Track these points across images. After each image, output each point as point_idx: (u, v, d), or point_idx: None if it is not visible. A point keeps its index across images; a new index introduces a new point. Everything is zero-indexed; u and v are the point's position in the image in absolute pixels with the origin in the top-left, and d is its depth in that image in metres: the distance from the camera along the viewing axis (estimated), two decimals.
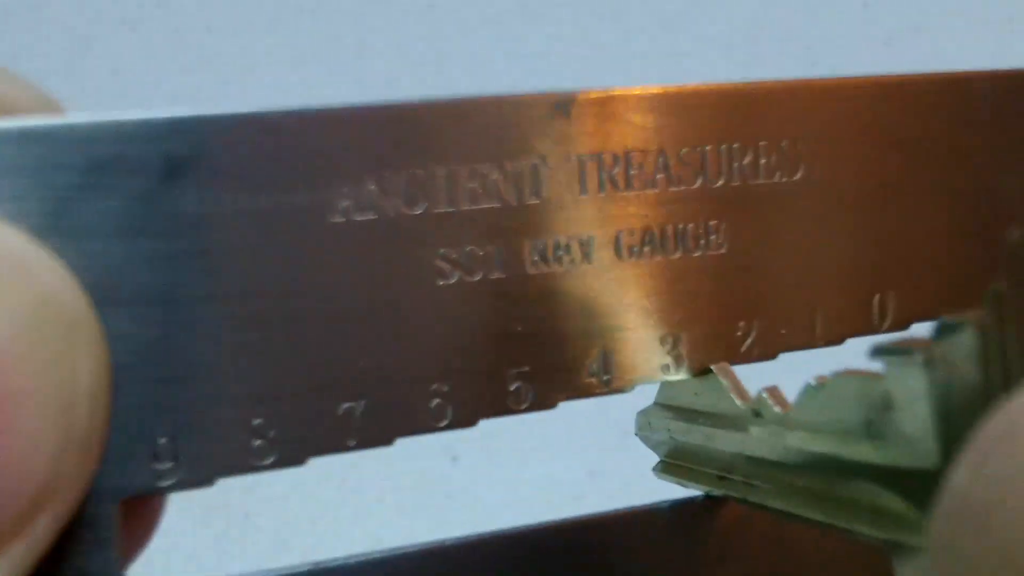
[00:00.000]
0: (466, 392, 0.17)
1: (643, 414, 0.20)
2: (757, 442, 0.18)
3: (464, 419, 0.17)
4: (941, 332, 0.14)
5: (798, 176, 0.19)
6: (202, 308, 0.16)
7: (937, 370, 0.14)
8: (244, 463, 0.16)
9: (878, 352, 0.15)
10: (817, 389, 0.17)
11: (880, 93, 0.19)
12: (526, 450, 0.42)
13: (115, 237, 0.15)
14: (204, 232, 0.16)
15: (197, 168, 0.15)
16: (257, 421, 0.16)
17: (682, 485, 0.20)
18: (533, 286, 0.17)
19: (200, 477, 0.16)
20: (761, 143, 0.19)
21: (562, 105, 0.17)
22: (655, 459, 0.21)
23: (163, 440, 0.15)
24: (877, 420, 0.16)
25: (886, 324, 0.20)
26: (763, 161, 0.19)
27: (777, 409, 0.18)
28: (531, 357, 0.17)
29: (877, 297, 0.20)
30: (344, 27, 0.59)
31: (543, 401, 0.17)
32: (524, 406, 0.17)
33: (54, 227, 0.15)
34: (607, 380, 0.18)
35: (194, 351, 0.16)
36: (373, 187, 0.16)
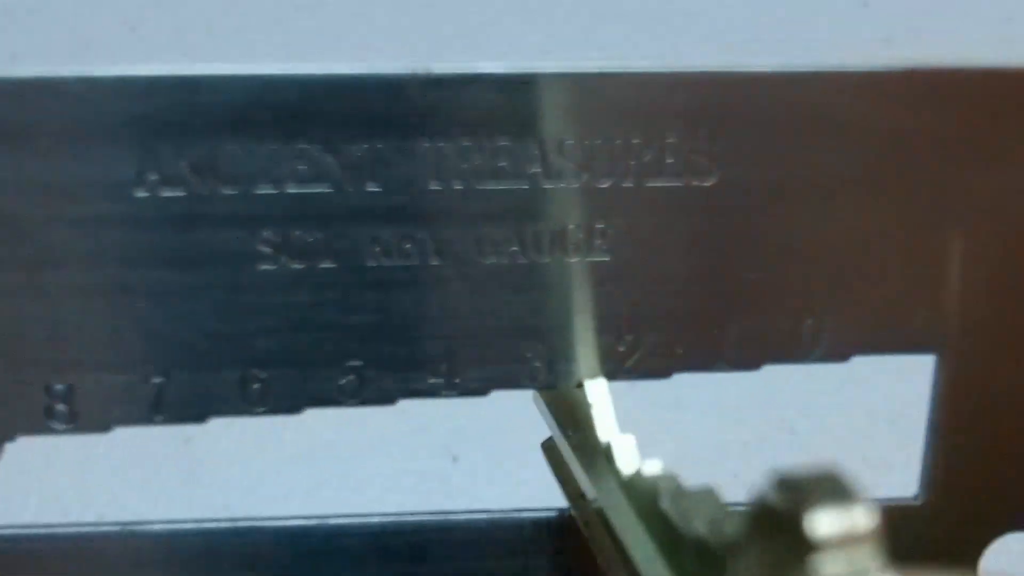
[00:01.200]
0: (288, 379, 0.16)
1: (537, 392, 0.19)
2: (594, 483, 0.16)
3: (286, 406, 0.16)
4: None
5: (711, 181, 0.17)
6: (1, 273, 0.15)
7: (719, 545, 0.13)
8: (44, 424, 0.16)
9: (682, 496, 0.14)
10: (645, 477, 0.15)
11: (820, 83, 0.16)
12: (526, 450, 0.42)
13: None
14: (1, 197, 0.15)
15: None
16: (58, 387, 0.16)
17: (555, 480, 0.19)
18: (372, 279, 0.16)
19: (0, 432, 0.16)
20: (668, 140, 0.16)
21: (411, 83, 0.16)
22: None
23: None
24: (668, 543, 0.14)
25: (818, 352, 0.17)
26: (668, 161, 0.16)
27: (621, 466, 0.16)
28: (367, 351, 0.16)
29: (809, 321, 0.17)
30: (344, 26, 0.59)
31: (378, 396, 0.17)
32: (355, 400, 0.17)
33: None
34: (458, 383, 0.17)
35: None
36: (182, 163, 0.15)
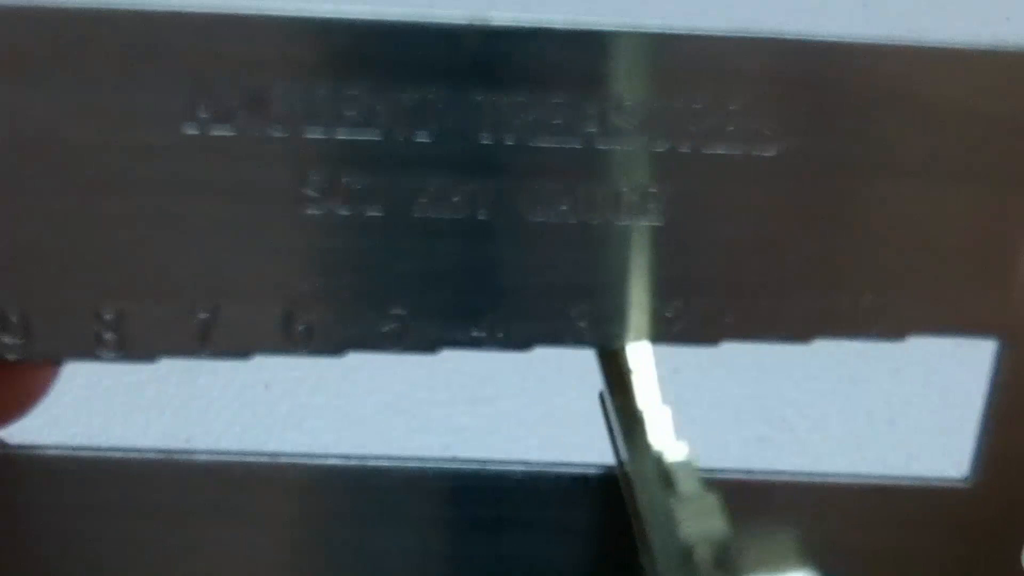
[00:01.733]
0: (330, 322, 0.16)
1: (602, 396, 0.19)
2: (628, 457, 0.17)
3: (328, 348, 0.16)
4: None
5: (772, 151, 0.16)
6: (50, 199, 0.16)
7: None
8: (92, 351, 0.16)
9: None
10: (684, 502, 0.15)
11: (894, 57, 0.16)
12: (526, 450, 0.42)
13: None
14: (46, 123, 0.15)
15: (41, 58, 0.15)
16: (108, 314, 0.16)
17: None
18: (419, 229, 0.16)
19: (48, 355, 0.16)
20: (731, 107, 0.16)
21: (469, 33, 0.15)
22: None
23: (13, 316, 0.16)
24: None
25: (876, 330, 0.17)
26: (729, 128, 0.16)
27: (651, 440, 0.16)
28: (410, 300, 0.16)
29: (868, 297, 0.17)
30: None
31: (420, 345, 0.17)
32: (397, 347, 0.17)
33: None
34: (501, 337, 0.17)
35: (44, 236, 0.16)
36: (235, 102, 0.15)
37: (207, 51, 0.15)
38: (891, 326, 0.17)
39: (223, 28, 0.15)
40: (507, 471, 0.18)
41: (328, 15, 0.15)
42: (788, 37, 0.16)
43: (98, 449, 0.17)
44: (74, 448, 0.17)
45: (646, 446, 0.16)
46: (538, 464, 0.18)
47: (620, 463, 0.17)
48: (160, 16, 0.15)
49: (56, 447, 0.17)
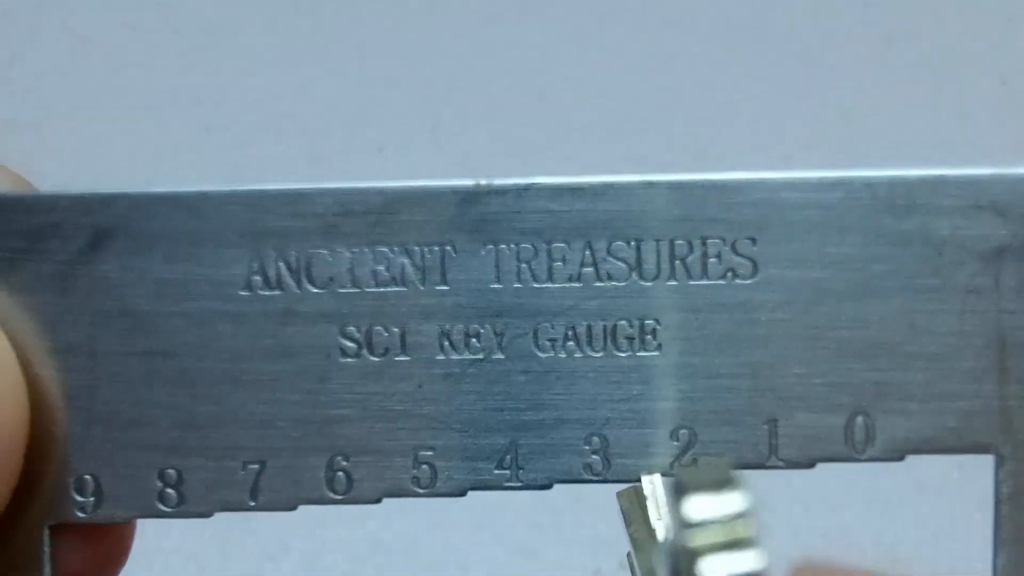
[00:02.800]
0: (367, 468, 0.18)
1: (617, 495, 0.19)
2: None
3: (366, 495, 0.18)
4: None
5: (756, 278, 0.17)
6: (123, 362, 0.18)
7: None
8: (155, 508, 0.18)
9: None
10: None
11: (854, 190, 0.17)
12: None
13: (52, 293, 0.17)
14: (123, 294, 0.17)
15: (119, 238, 0.17)
16: (169, 471, 0.18)
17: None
18: (441, 372, 0.18)
19: (116, 515, 0.18)
20: (710, 240, 0.17)
21: (478, 194, 0.17)
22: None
23: (87, 476, 0.17)
24: None
25: (870, 451, 0.17)
26: (711, 260, 0.17)
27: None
28: (437, 442, 0.18)
29: (860, 419, 0.17)
30: (344, 27, 0.59)
31: (450, 487, 0.18)
32: (427, 491, 0.18)
33: (4, 281, 0.17)
34: (522, 474, 0.18)
35: (115, 400, 0.18)
36: (280, 264, 0.17)
37: (257, 223, 0.17)
38: (887, 448, 0.17)
39: (265, 202, 0.17)
40: None
41: (359, 185, 0.17)
42: (750, 178, 0.17)
43: None
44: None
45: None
46: None
47: None
48: (215, 196, 0.17)
49: None
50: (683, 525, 0.12)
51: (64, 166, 0.49)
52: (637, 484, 0.18)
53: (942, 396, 0.17)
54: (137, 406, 0.17)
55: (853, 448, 0.17)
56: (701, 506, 0.12)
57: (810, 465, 0.18)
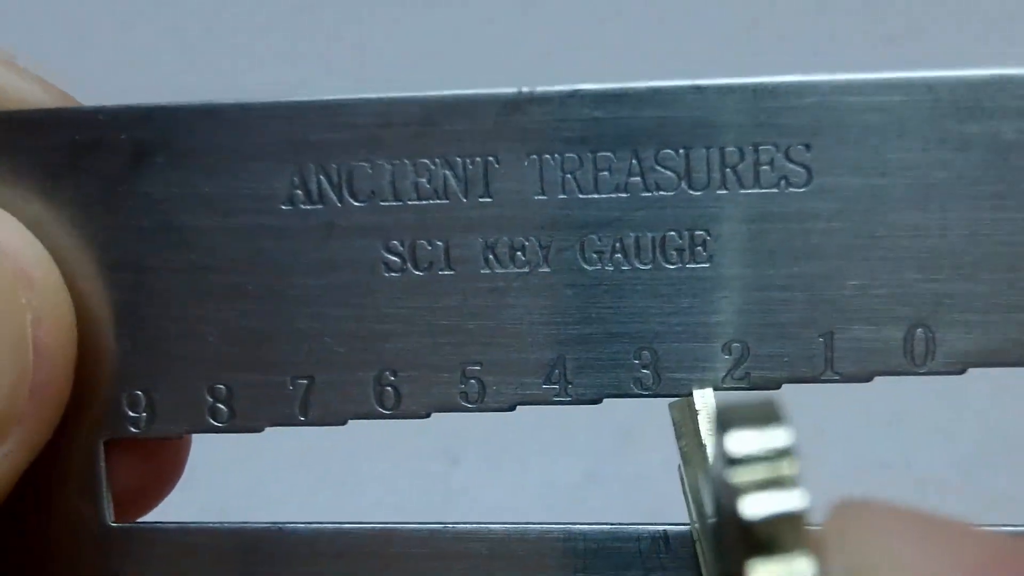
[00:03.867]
0: (415, 384, 0.17)
1: (670, 406, 0.19)
2: (691, 489, 0.17)
3: (415, 410, 0.17)
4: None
5: (810, 186, 0.17)
6: (169, 278, 0.17)
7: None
8: (207, 423, 0.18)
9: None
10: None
11: (910, 91, 0.16)
12: (525, 453, 0.42)
13: (95, 211, 0.17)
14: (166, 210, 0.17)
15: (161, 153, 0.17)
16: (219, 386, 0.17)
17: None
18: (486, 286, 0.17)
19: (168, 430, 0.18)
20: (762, 147, 0.17)
21: (520, 102, 0.17)
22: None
23: (138, 392, 0.18)
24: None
25: (930, 364, 0.17)
26: (764, 168, 0.17)
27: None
28: (484, 357, 0.17)
29: (920, 331, 0.17)
30: (344, 28, 0.59)
31: (498, 402, 0.17)
32: (475, 405, 0.17)
33: (45, 199, 0.17)
34: (571, 389, 0.17)
35: (163, 316, 0.17)
36: (321, 178, 0.17)
37: (299, 136, 0.17)
38: (948, 361, 0.17)
39: (307, 114, 0.17)
40: (593, 532, 0.18)
41: (399, 95, 0.17)
42: (804, 80, 0.16)
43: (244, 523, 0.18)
44: (186, 523, 0.18)
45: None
46: (620, 524, 0.18)
47: (696, 522, 0.17)
48: (257, 108, 0.17)
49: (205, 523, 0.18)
50: (726, 461, 0.12)
51: None
52: (690, 397, 0.17)
53: (1005, 307, 0.17)
54: (185, 322, 0.17)
55: (912, 361, 0.17)
56: (744, 442, 0.12)
57: (868, 379, 0.17)
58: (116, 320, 0.17)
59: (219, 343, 0.17)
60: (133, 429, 0.17)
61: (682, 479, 0.18)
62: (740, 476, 0.12)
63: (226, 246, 0.17)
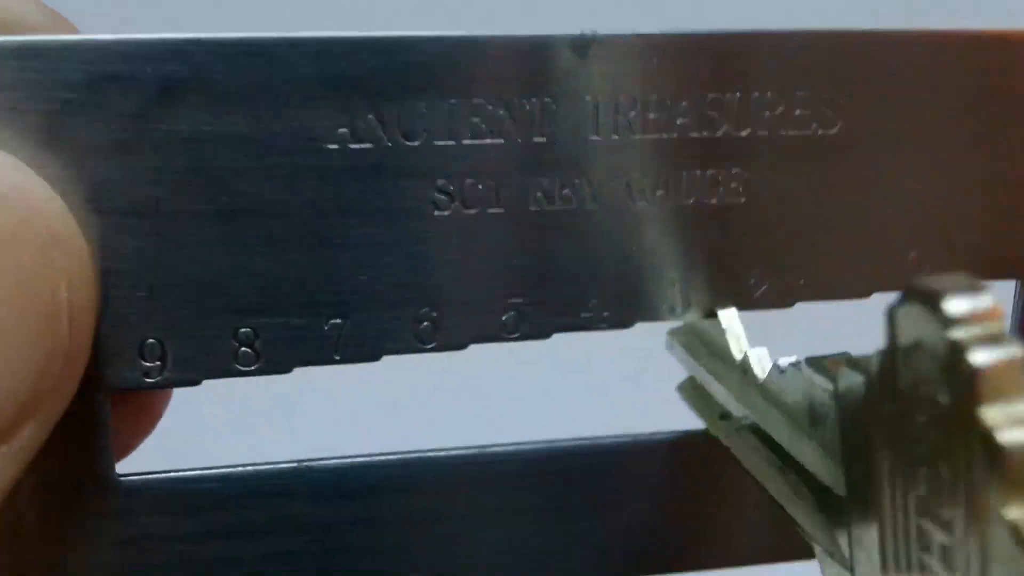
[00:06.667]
0: (455, 318, 0.17)
1: (670, 334, 0.20)
2: (737, 399, 0.18)
3: (452, 343, 0.18)
4: (851, 364, 0.14)
5: (835, 129, 0.18)
6: (192, 223, 0.16)
7: (844, 404, 0.14)
8: (230, 367, 0.17)
9: (811, 364, 0.16)
10: (781, 372, 0.17)
11: (932, 46, 0.18)
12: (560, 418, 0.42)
13: (110, 152, 0.16)
14: (197, 151, 0.16)
15: (192, 90, 0.16)
16: (244, 330, 0.17)
17: (694, 413, 0.20)
18: (535, 223, 0.18)
19: (186, 377, 0.17)
20: (798, 93, 0.18)
21: (579, 46, 0.17)
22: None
23: (151, 341, 0.17)
24: (813, 426, 0.15)
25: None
26: (797, 112, 0.18)
27: (758, 372, 0.17)
28: (527, 290, 0.18)
29: (912, 254, 0.19)
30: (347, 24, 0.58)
31: (536, 331, 0.18)
32: (515, 335, 0.18)
33: (52, 140, 0.16)
34: (607, 316, 0.18)
35: (184, 262, 0.17)
36: (371, 117, 0.17)
37: (347, 74, 0.16)
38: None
39: (361, 52, 0.16)
40: (615, 444, 0.19)
41: (454, 34, 0.17)
42: (842, 31, 0.18)
43: (223, 468, 0.18)
44: (202, 470, 0.18)
45: (754, 380, 0.17)
46: (639, 435, 0.19)
47: (717, 424, 0.19)
48: (304, 43, 0.16)
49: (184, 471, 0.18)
50: (942, 324, 0.12)
51: None
52: (712, 318, 0.18)
53: (979, 234, 0.19)
54: (211, 267, 0.17)
55: None
56: (960, 304, 0.12)
57: (868, 294, 0.19)
58: (132, 268, 0.16)
59: (248, 289, 0.17)
60: (147, 379, 0.17)
61: (691, 395, 0.19)
62: (960, 334, 0.12)
63: (262, 188, 0.16)
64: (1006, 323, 0.12)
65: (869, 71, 0.18)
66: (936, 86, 0.18)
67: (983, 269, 0.19)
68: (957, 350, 0.12)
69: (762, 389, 0.17)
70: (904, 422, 0.13)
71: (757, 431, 0.18)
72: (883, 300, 0.18)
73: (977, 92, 0.19)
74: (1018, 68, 0.19)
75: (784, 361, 0.17)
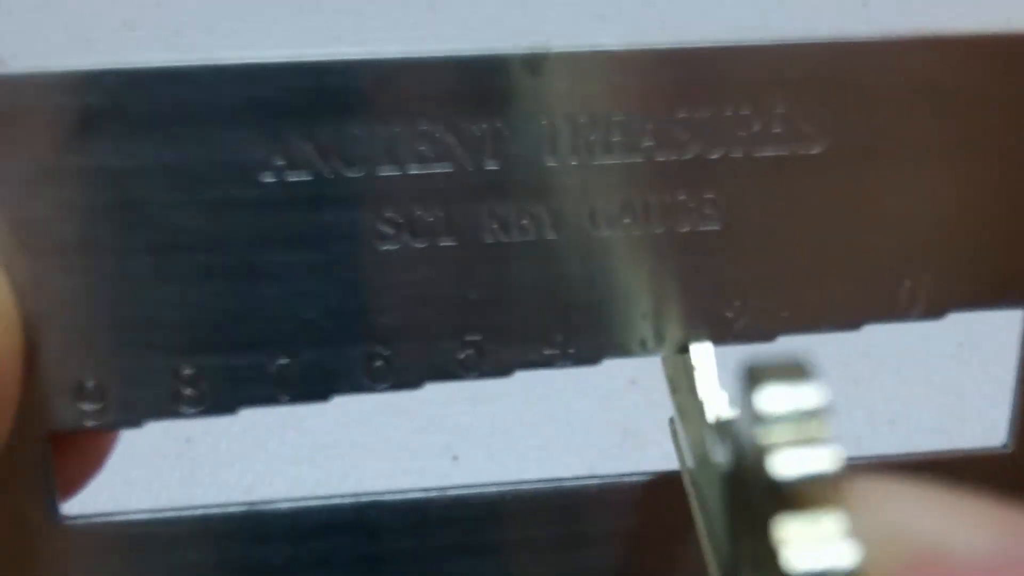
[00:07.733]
0: (409, 356, 0.17)
1: (664, 361, 0.19)
2: (690, 445, 0.17)
3: (406, 382, 0.17)
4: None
5: (817, 148, 0.17)
6: (126, 259, 0.16)
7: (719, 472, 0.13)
8: (172, 409, 0.16)
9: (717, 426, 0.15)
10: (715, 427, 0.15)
11: (924, 53, 0.17)
12: (526, 450, 0.42)
13: (33, 188, 0.15)
14: (123, 185, 0.15)
15: (113, 121, 0.15)
16: (187, 371, 0.16)
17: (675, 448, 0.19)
18: (490, 255, 0.16)
19: (127, 419, 0.16)
20: (776, 109, 0.16)
21: (531, 62, 0.16)
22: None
23: (90, 382, 0.16)
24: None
25: (916, 312, 0.17)
26: (775, 130, 0.17)
27: (709, 419, 0.16)
28: (485, 326, 0.17)
29: (907, 282, 0.17)
30: (345, 28, 0.59)
31: (496, 369, 0.17)
32: (474, 373, 0.17)
33: None
34: (572, 352, 0.17)
35: (119, 300, 0.16)
36: (308, 146, 0.16)
37: (279, 100, 0.15)
38: (930, 307, 0.17)
39: (294, 76, 0.15)
40: (583, 487, 0.18)
41: (396, 55, 0.16)
42: (821, 41, 0.16)
43: (173, 510, 0.17)
44: (151, 511, 0.17)
45: (708, 431, 0.16)
46: (609, 476, 0.18)
47: (690, 470, 0.17)
48: (231, 69, 0.15)
49: (128, 513, 0.17)
50: (754, 419, 0.11)
51: None
52: (684, 354, 0.17)
53: (978, 260, 0.18)
54: (146, 305, 0.16)
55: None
56: (774, 399, 0.11)
57: (858, 326, 0.18)
58: (63, 308, 0.16)
59: (185, 326, 0.16)
60: (87, 421, 0.16)
61: (675, 431, 0.18)
62: (770, 436, 0.11)
63: (194, 222, 0.16)
64: (828, 424, 0.11)
65: (853, 83, 0.17)
66: (928, 98, 0.17)
67: (986, 296, 0.18)
68: (760, 452, 0.11)
69: (710, 443, 0.16)
70: (750, 493, 0.12)
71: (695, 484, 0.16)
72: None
73: (973, 103, 0.17)
74: (1021, 72, 0.17)
75: (721, 414, 0.16)
